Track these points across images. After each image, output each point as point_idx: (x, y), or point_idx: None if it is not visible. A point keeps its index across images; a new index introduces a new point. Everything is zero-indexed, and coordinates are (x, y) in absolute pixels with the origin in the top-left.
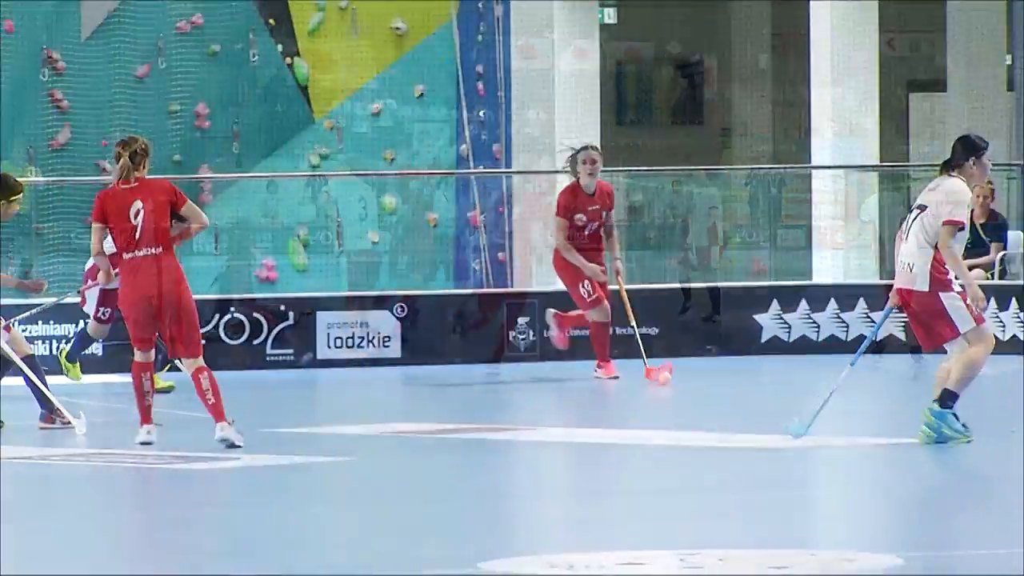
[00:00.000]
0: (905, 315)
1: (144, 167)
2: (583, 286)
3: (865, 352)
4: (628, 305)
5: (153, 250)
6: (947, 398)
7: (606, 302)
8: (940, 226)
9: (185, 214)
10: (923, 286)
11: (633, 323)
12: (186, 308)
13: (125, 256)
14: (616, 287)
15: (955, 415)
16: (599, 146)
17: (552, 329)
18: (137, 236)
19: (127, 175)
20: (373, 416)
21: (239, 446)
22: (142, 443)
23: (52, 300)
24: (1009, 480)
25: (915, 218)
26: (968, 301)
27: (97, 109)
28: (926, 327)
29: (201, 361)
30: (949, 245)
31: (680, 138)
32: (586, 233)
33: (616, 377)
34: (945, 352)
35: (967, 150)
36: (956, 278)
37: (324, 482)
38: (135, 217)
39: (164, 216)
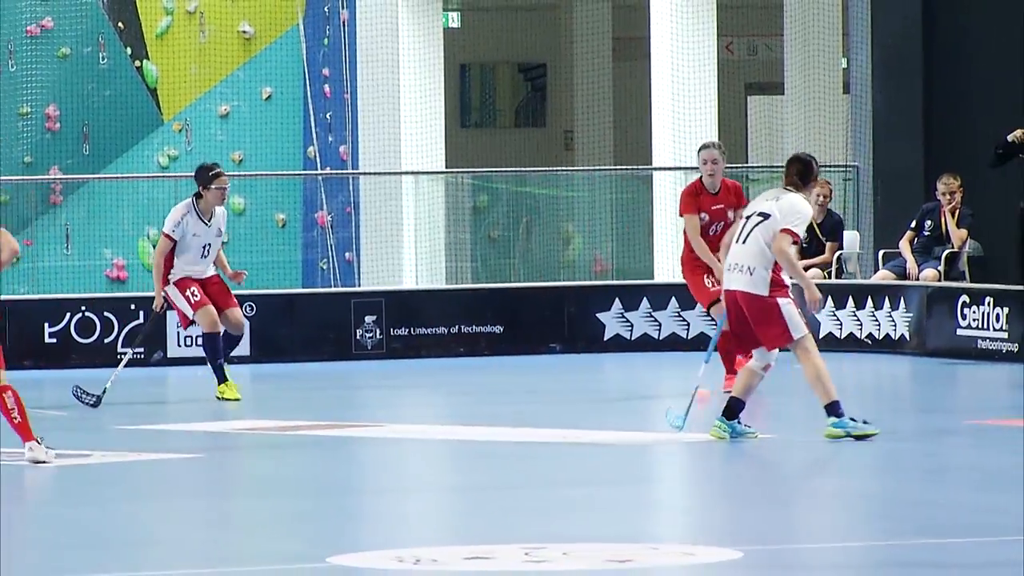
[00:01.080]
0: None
1: None
2: (707, 278)
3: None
4: None
5: None
6: (833, 409)
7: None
8: (778, 233)
9: None
10: (763, 290)
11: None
12: None
13: None
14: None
15: (852, 418)
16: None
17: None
18: None
19: None
20: (222, 414)
21: (48, 463)
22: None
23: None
24: (838, 474)
25: (756, 224)
26: (806, 300)
27: None
28: (749, 329)
29: (5, 379)
30: (786, 250)
31: (523, 140)
32: (709, 233)
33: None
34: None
35: (810, 174)
36: (792, 280)
37: (174, 479)
38: None
39: None
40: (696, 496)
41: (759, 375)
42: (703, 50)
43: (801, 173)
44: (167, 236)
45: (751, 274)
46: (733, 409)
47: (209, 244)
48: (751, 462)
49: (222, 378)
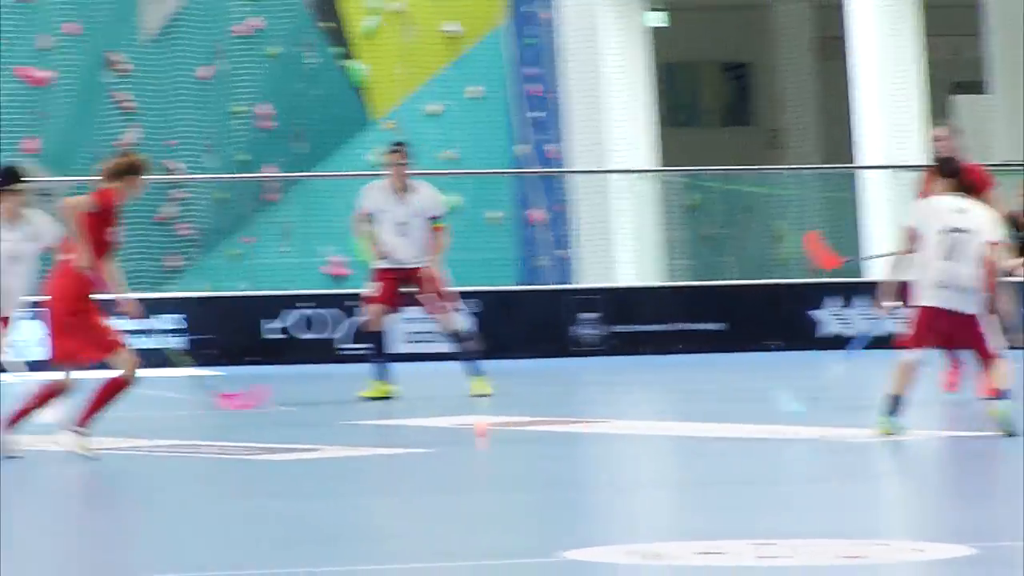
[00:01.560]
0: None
1: None
2: None
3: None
4: None
5: None
6: (1002, 395)
7: None
8: (991, 246)
9: None
10: (979, 310)
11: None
12: None
13: None
14: None
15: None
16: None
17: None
18: None
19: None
20: (448, 409)
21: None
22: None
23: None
24: None
25: (964, 242)
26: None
27: (162, 110)
28: (940, 338)
29: None
30: (1000, 263)
31: (729, 139)
32: None
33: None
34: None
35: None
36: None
37: (404, 473)
38: None
39: None
40: (921, 493)
41: (917, 369)
42: (906, 49)
43: (968, 180)
44: (359, 209)
45: (972, 295)
46: (894, 405)
47: (405, 223)
48: (973, 459)
49: (378, 375)
